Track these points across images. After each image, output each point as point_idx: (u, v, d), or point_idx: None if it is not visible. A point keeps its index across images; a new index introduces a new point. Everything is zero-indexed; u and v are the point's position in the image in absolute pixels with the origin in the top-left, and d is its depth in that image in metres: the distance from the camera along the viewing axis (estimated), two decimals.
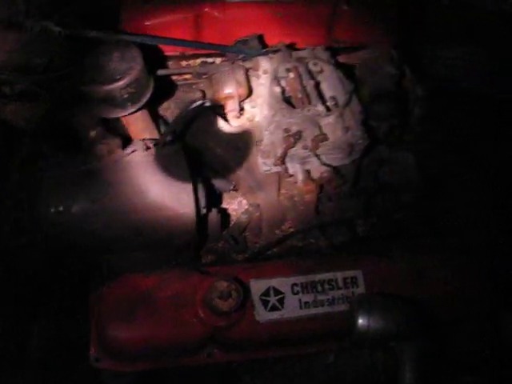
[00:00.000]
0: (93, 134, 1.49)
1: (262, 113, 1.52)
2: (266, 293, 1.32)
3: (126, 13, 1.66)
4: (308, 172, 1.50)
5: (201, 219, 1.38)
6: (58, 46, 1.83)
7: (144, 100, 1.44)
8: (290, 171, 1.49)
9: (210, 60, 1.71)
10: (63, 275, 1.51)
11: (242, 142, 1.53)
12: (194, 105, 1.40)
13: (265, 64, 1.57)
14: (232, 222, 1.57)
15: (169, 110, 1.60)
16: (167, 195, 1.34)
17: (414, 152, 1.64)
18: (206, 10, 1.67)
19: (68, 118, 1.61)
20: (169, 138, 1.45)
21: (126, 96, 1.38)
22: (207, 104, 1.42)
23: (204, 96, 1.62)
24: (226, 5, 1.68)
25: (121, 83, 1.35)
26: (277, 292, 1.33)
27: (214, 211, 1.47)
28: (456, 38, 2.43)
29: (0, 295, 1.45)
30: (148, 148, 1.41)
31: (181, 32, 1.67)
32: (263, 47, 1.63)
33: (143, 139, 1.46)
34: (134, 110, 1.44)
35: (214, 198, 1.54)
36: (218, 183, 1.54)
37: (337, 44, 1.76)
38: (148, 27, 1.63)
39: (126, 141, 1.46)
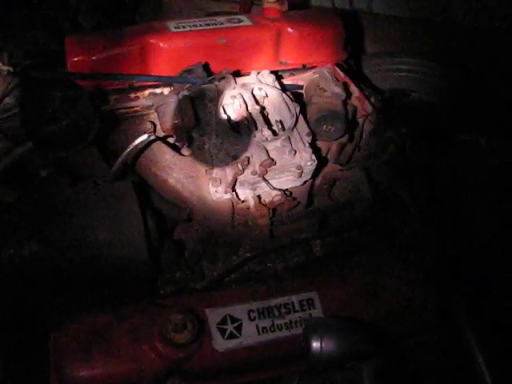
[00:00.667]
0: (43, 173, 1.48)
1: (210, 141, 1.52)
2: (223, 321, 1.34)
3: (71, 49, 1.63)
4: (259, 197, 1.51)
5: (154, 252, 1.39)
6: (6, 86, 1.83)
7: (90, 137, 1.43)
8: (242, 197, 1.50)
9: (158, 91, 1.71)
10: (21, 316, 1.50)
11: (194, 171, 1.54)
12: (141, 138, 1.41)
13: (210, 92, 1.58)
14: (188, 251, 1.57)
15: (119, 143, 1.59)
16: (117, 231, 1.34)
17: (365, 169, 1.66)
18: (151, 41, 1.67)
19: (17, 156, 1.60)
20: (118, 172, 1.45)
21: (71, 135, 1.37)
22: (152, 137, 1.42)
23: (154, 127, 1.62)
24: (170, 34, 1.69)
25: (64, 123, 1.34)
26: (234, 319, 1.34)
27: (168, 242, 1.47)
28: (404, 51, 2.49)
29: None
30: (97, 185, 1.40)
31: (127, 65, 1.67)
32: (208, 75, 1.64)
33: (92, 176, 1.45)
34: (80, 147, 1.43)
35: (168, 228, 1.54)
36: (171, 213, 1.55)
37: (282, 67, 1.77)
38: (94, 62, 1.62)
39: (76, 179, 1.46)
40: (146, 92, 1.70)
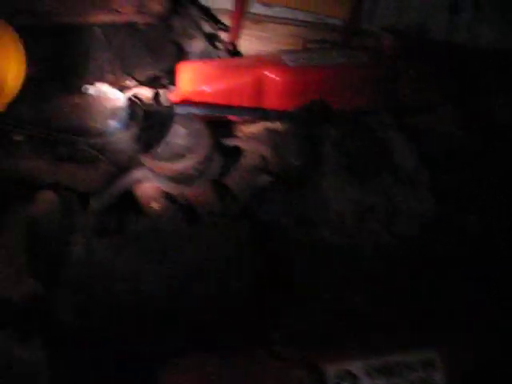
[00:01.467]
0: (155, 205, 1.45)
1: (328, 182, 1.46)
2: (342, 377, 1.25)
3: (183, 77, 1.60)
4: None
5: None
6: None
7: (212, 175, 1.39)
8: None
9: (272, 125, 1.66)
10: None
11: None
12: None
13: (330, 131, 1.52)
14: None
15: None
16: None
17: None
18: (268, 74, 1.62)
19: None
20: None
21: (193, 173, 1.34)
22: None
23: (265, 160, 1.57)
24: (287, 68, 1.63)
25: (189, 162, 1.30)
26: (352, 376, 1.26)
27: None
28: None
29: None
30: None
31: (239, 97, 1.63)
32: (325, 113, 1.57)
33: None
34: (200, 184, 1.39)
35: None
36: None
37: (398, 105, 1.69)
38: (206, 92, 1.59)
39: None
40: (260, 125, 1.64)
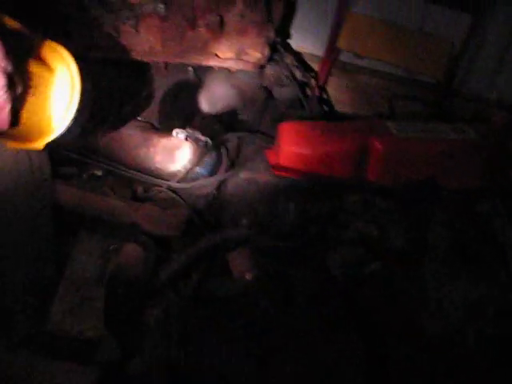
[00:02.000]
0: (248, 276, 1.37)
1: (434, 268, 1.36)
2: None
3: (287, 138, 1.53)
4: None
5: None
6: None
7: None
8: None
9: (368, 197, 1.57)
10: None
11: None
12: None
13: (439, 214, 1.43)
14: None
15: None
16: None
17: None
18: (374, 143, 1.54)
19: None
20: None
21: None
22: None
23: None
24: (394, 139, 1.55)
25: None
26: None
27: None
28: None
29: None
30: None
31: (341, 164, 1.54)
32: (434, 193, 1.48)
33: None
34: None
35: None
36: None
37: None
38: (308, 155, 1.51)
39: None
40: (358, 197, 1.55)
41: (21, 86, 0.92)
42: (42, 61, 0.95)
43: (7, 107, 0.89)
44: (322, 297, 1.29)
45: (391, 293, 1.34)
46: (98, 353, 1.59)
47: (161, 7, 1.65)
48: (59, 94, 0.98)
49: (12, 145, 0.97)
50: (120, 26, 1.70)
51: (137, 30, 1.70)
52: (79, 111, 0.99)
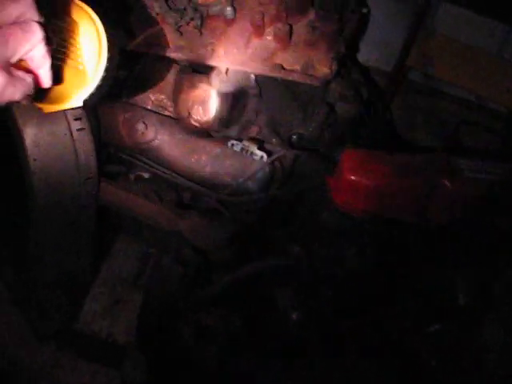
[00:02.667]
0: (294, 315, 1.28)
1: (494, 329, 1.24)
2: None
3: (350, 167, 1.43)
4: None
5: None
6: None
7: None
8: None
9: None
10: None
11: None
12: None
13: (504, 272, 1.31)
14: None
15: None
16: None
17: None
18: (439, 179, 1.42)
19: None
20: None
21: None
22: None
23: None
24: (464, 179, 1.42)
25: None
26: None
27: None
28: None
29: None
30: None
31: (407, 198, 1.43)
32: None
33: None
34: None
35: None
36: None
37: None
38: (372, 187, 1.40)
39: None
40: None
41: (55, 40, 0.87)
42: (69, 16, 0.92)
43: (48, 62, 0.82)
44: (375, 350, 1.18)
45: (449, 352, 1.23)
46: (123, 367, 1.53)
47: (228, 10, 1.56)
48: (88, 49, 0.94)
49: (50, 109, 0.92)
50: (183, 26, 1.60)
51: (200, 32, 1.60)
52: (107, 70, 0.96)
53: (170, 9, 1.56)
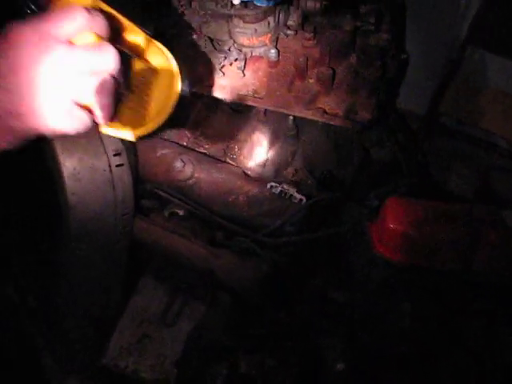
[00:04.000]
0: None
1: None
2: None
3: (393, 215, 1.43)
4: None
5: None
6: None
7: None
8: None
9: None
10: None
11: None
12: None
13: None
14: None
15: None
16: None
17: None
18: (483, 230, 1.41)
19: None
20: None
21: None
22: None
23: None
24: (506, 230, 1.41)
25: None
26: None
27: None
28: None
29: None
30: None
31: (448, 250, 1.42)
32: None
33: None
34: None
35: None
36: None
37: None
38: (411, 235, 1.40)
39: None
40: None
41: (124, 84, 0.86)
42: (145, 59, 0.92)
43: (112, 101, 0.86)
44: None
45: None
46: None
47: (272, 52, 1.57)
48: (157, 92, 0.94)
49: (106, 131, 0.92)
50: (226, 66, 1.61)
51: (243, 73, 1.61)
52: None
53: (215, 49, 1.57)
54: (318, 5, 1.49)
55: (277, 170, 1.73)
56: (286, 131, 1.72)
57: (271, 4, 1.46)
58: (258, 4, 1.45)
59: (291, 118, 1.69)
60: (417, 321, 1.25)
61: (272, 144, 1.73)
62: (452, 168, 2.04)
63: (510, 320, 1.25)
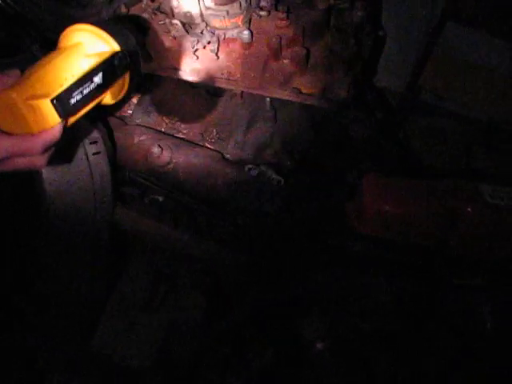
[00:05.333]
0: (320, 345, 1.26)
1: None
2: None
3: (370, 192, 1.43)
4: None
5: None
6: None
7: None
8: None
9: None
10: None
11: None
12: None
13: None
14: None
15: None
16: None
17: None
18: (461, 206, 1.41)
19: None
20: None
21: None
22: None
23: None
24: (485, 205, 1.42)
25: None
26: None
27: None
28: None
29: None
30: None
31: (426, 226, 1.42)
32: None
33: None
34: None
35: None
36: None
37: None
38: (391, 213, 1.39)
39: None
40: None
41: None
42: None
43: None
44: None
45: None
46: None
47: (245, 34, 1.55)
48: None
49: None
50: (200, 49, 1.60)
51: (217, 55, 1.60)
52: None
53: (188, 33, 1.55)
54: None
55: (256, 152, 1.72)
56: (264, 113, 1.71)
57: None
58: None
59: (268, 99, 1.67)
60: (394, 296, 1.25)
61: (250, 126, 1.72)
62: (432, 144, 2.03)
63: (485, 292, 1.26)
